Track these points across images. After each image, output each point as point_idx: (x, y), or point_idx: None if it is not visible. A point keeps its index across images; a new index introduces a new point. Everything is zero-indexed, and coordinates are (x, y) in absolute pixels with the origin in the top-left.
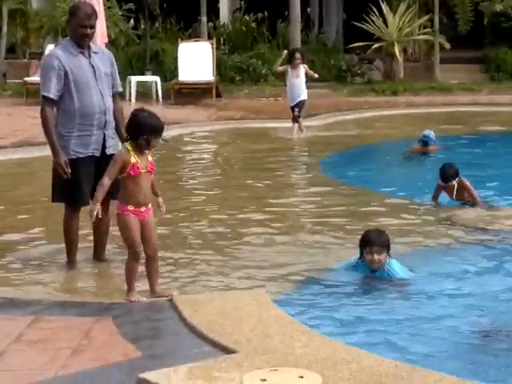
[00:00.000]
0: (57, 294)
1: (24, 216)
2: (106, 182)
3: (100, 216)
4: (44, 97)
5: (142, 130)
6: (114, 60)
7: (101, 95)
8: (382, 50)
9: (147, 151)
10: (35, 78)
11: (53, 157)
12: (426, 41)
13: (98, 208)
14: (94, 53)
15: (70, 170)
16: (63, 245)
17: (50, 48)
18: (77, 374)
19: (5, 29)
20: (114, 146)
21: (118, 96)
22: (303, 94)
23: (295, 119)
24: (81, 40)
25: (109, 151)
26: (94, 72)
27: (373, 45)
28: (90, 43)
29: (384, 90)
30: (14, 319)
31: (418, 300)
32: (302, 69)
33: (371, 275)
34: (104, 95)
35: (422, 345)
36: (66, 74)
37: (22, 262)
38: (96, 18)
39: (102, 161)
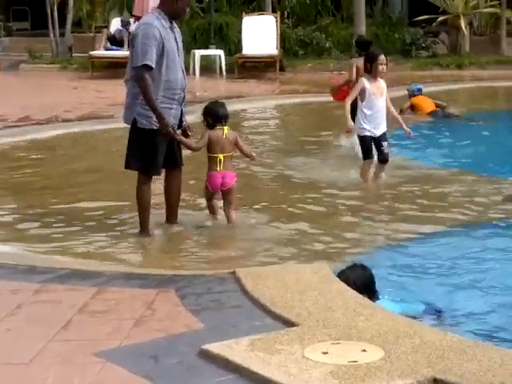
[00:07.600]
0: (122, 265)
1: (92, 187)
2: None
3: None
4: (144, 65)
5: None
6: None
7: (182, 71)
8: (448, 23)
9: None
10: (100, 52)
11: (158, 122)
12: (493, 14)
13: None
14: (175, 28)
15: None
16: (132, 214)
17: (114, 22)
18: (140, 344)
19: (71, 3)
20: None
21: None
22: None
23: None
24: (176, 19)
25: (183, 125)
26: (178, 47)
27: (438, 18)
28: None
29: (449, 63)
30: (78, 290)
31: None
32: (383, 84)
33: None
34: (184, 71)
35: (487, 320)
36: (162, 46)
37: (93, 231)
38: None
39: None
